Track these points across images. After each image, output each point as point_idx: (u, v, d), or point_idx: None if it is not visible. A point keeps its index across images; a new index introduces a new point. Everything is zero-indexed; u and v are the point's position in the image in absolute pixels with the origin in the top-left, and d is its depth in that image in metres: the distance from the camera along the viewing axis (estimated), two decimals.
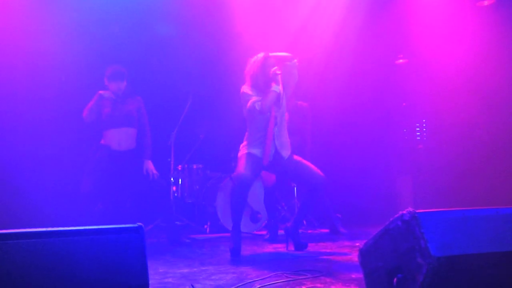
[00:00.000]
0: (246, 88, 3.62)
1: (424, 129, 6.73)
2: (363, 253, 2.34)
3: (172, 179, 5.05)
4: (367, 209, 5.63)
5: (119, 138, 4.05)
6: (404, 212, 2.07)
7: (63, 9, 4.88)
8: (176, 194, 5.04)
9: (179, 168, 5.30)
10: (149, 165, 4.10)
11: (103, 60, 4.97)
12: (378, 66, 6.19)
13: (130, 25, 5.18)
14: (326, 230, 4.90)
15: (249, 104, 3.52)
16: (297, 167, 3.61)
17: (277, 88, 3.52)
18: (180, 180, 5.28)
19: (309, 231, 4.91)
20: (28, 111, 4.83)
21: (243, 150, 3.67)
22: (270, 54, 3.65)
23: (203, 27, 5.47)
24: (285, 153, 3.63)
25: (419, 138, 6.73)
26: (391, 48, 6.28)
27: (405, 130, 6.81)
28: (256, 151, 3.58)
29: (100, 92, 4.04)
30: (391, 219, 2.18)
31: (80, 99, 4.68)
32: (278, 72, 3.54)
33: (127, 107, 4.11)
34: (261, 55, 3.66)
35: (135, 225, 1.72)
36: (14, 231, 1.58)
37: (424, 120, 6.72)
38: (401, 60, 6.60)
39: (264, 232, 4.75)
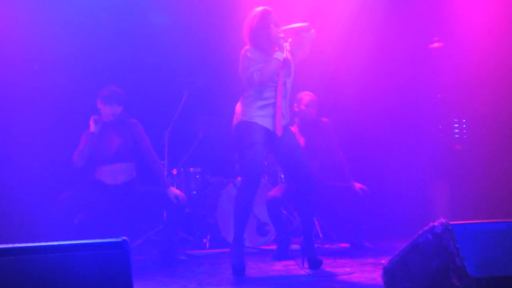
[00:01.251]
0: (248, 51, 3.65)
1: (464, 126, 6.69)
2: (387, 272, 2.34)
3: None
4: (395, 220, 5.60)
5: (114, 173, 4.17)
6: (436, 223, 2.06)
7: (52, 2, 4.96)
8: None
9: (174, 173, 5.31)
10: (173, 192, 4.17)
11: (90, 52, 5.07)
12: (408, 51, 6.15)
13: (118, 11, 5.23)
14: (347, 245, 4.89)
15: (247, 72, 3.57)
16: (289, 152, 3.69)
17: (280, 55, 3.55)
18: (175, 186, 5.29)
19: (326, 246, 4.91)
20: (18, 112, 4.92)
21: (244, 116, 3.67)
22: (283, 27, 3.68)
23: (200, 10, 5.48)
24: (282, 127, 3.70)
25: (457, 136, 6.69)
26: (424, 29, 6.24)
27: (440, 127, 6.77)
28: (262, 121, 3.62)
29: (90, 131, 4.12)
30: (420, 232, 2.18)
31: (76, 97, 4.79)
32: (281, 35, 3.57)
33: (119, 139, 4.19)
34: (258, 9, 3.68)
35: (119, 239, 1.73)
36: None
37: (463, 115, 6.68)
38: (436, 44, 6.56)
39: (273, 247, 4.76)
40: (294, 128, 4.85)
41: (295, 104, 4.88)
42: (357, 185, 4.81)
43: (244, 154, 3.61)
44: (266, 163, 5.19)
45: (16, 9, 4.84)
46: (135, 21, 5.40)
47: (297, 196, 3.82)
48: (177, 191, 4.21)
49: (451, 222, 2.05)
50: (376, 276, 3.20)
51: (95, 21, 5.15)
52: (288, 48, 3.73)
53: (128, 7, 5.33)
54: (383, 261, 3.78)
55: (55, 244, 1.66)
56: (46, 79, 5.02)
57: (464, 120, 6.68)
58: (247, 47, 3.69)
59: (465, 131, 6.71)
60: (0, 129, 4.88)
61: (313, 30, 3.70)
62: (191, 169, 5.33)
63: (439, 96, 6.75)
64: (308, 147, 4.77)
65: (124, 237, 1.75)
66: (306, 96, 4.88)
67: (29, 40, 4.85)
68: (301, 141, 4.75)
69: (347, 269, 3.62)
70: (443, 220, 2.08)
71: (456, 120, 6.76)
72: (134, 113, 4.41)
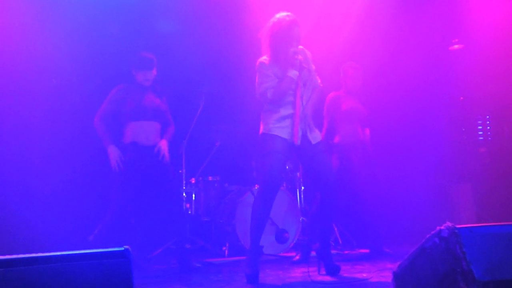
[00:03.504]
0: (264, 63, 3.64)
1: (488, 128, 6.58)
2: (397, 277, 2.32)
3: (184, 194, 5.10)
4: (418, 225, 5.53)
5: (148, 132, 4.16)
6: (442, 227, 2.04)
7: (62, 6, 5.03)
8: (189, 212, 5.09)
9: (193, 181, 5.35)
10: (164, 145, 4.18)
11: (104, 60, 5.12)
12: (428, 54, 6.09)
13: (133, 20, 5.28)
14: (366, 250, 4.85)
15: (261, 89, 3.60)
16: (316, 157, 3.68)
17: (293, 74, 3.54)
18: (193, 195, 5.32)
19: (346, 252, 4.87)
20: (21, 114, 4.98)
21: (264, 130, 3.71)
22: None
23: (215, 18, 5.52)
24: (314, 138, 3.69)
25: (481, 139, 6.58)
26: (444, 31, 6.17)
27: (463, 130, 6.67)
28: (281, 132, 3.63)
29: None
30: (427, 236, 2.15)
31: (79, 100, 4.83)
32: (299, 57, 3.54)
33: (156, 99, 4.26)
34: (287, 18, 3.63)
35: (121, 248, 1.75)
36: None
37: (487, 117, 6.57)
38: (456, 46, 6.48)
39: (291, 254, 4.75)
40: (341, 93, 4.93)
41: (341, 76, 4.95)
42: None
43: (262, 162, 3.66)
44: (284, 172, 5.19)
45: (33, 21, 4.92)
46: (153, 32, 5.45)
47: (320, 202, 3.80)
48: (165, 147, 4.18)
49: (458, 226, 2.03)
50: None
51: (112, 32, 5.20)
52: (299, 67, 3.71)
53: (145, 18, 5.39)
54: None
55: (57, 254, 1.69)
56: (58, 90, 5.09)
57: (488, 122, 6.58)
58: (261, 60, 3.67)
59: (489, 133, 6.60)
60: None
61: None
62: (210, 177, 5.35)
63: (462, 98, 6.65)
64: (352, 111, 4.85)
65: (126, 246, 1.77)
66: (350, 69, 4.93)
67: (38, 48, 4.92)
68: (347, 105, 4.84)
69: (365, 275, 3.59)
70: (449, 224, 2.05)
71: (480, 122, 6.65)
72: None
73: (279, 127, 3.64)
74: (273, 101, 3.60)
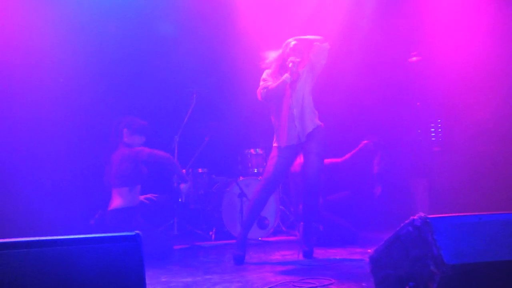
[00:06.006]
0: (266, 73, 3.80)
1: (440, 130, 6.66)
2: (373, 260, 2.32)
3: (175, 184, 5.04)
4: (382, 213, 5.57)
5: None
6: (415, 217, 2.05)
7: (61, 6, 4.88)
8: (180, 200, 5.02)
9: (183, 172, 5.28)
10: None
11: (100, 60, 4.99)
12: (389, 64, 6.13)
13: (129, 22, 5.15)
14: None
15: (258, 89, 3.72)
16: (306, 154, 3.70)
17: (287, 78, 3.64)
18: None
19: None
20: (24, 112, 4.82)
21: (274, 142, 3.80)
22: (299, 37, 3.77)
23: (206, 21, 5.43)
24: (307, 133, 3.71)
25: (434, 139, 6.66)
26: (403, 45, 6.22)
27: (419, 131, 6.74)
28: (282, 142, 3.69)
29: None
30: (402, 225, 2.16)
31: (79, 99, 4.73)
32: (292, 63, 3.62)
33: None
34: (291, 41, 3.76)
35: (132, 233, 1.71)
36: (5, 240, 1.59)
37: (439, 120, 6.65)
38: (414, 58, 6.54)
39: (272, 239, 4.74)
40: None
41: None
42: None
43: (268, 162, 3.78)
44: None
45: (40, 21, 4.75)
46: (150, 35, 5.34)
47: (304, 192, 3.78)
48: None
49: (430, 216, 2.04)
50: (364, 264, 3.19)
51: (112, 34, 5.06)
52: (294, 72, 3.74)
53: (144, 21, 5.23)
54: (369, 250, 3.76)
55: (71, 237, 1.64)
56: (65, 89, 4.95)
57: (440, 125, 6.66)
58: (267, 70, 3.79)
59: (441, 134, 6.68)
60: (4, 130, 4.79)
61: (327, 43, 3.75)
62: (199, 169, 5.29)
63: (418, 103, 6.72)
64: None
65: (137, 231, 1.73)
66: None
67: (46, 47, 4.77)
68: None
69: (337, 258, 3.60)
70: (422, 214, 2.07)
71: (433, 124, 6.73)
72: (147, 120, 4.32)
73: (279, 136, 3.72)
74: (265, 99, 3.69)
